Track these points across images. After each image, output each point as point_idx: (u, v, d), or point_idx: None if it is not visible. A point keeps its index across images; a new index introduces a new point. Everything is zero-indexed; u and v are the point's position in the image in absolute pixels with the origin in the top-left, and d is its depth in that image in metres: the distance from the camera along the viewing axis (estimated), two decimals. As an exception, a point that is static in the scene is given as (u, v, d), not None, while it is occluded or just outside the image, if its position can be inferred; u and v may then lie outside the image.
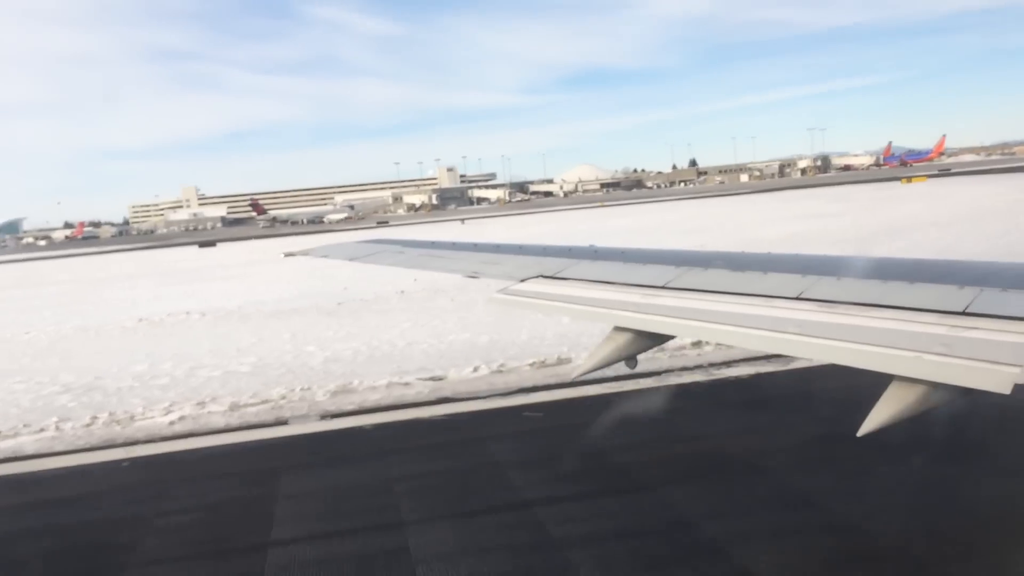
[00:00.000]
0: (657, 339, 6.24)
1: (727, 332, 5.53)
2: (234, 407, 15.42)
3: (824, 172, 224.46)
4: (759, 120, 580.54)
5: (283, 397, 15.85)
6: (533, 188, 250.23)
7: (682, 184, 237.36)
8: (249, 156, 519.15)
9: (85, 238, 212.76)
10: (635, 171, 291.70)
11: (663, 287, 6.49)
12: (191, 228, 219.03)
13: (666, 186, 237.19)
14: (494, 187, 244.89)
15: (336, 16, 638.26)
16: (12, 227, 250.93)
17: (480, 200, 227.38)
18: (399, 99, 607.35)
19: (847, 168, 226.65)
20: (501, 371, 16.85)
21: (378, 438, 13.35)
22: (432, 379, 16.65)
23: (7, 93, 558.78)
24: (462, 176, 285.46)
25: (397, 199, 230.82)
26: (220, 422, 14.76)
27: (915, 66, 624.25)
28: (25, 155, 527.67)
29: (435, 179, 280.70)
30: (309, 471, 12.11)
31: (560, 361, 17.26)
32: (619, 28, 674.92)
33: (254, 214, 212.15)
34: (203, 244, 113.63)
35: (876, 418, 4.36)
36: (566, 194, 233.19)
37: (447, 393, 15.63)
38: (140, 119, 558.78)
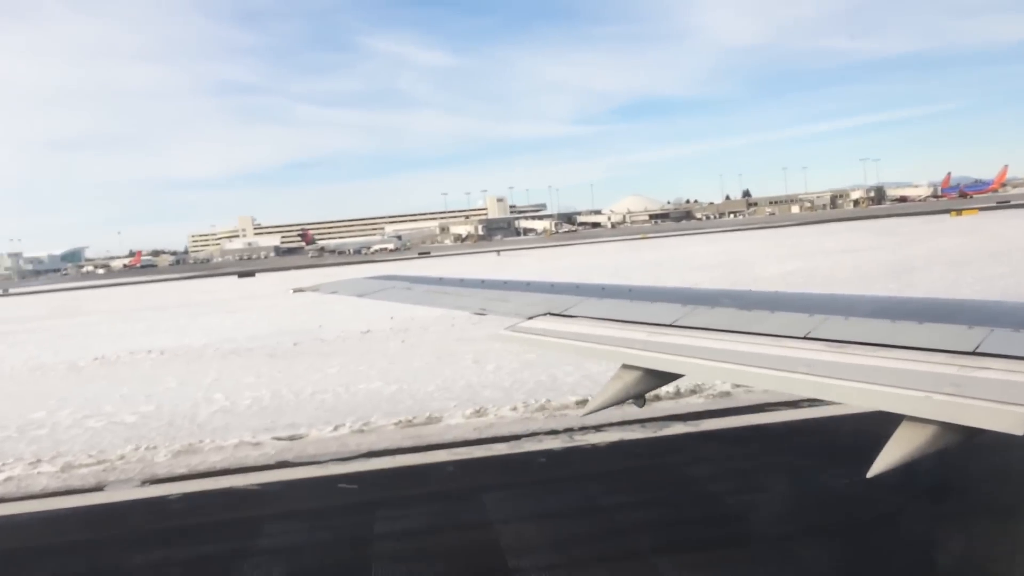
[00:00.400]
0: (665, 378, 6.16)
1: (735, 371, 5.51)
2: (66, 467, 14.56)
3: (878, 203, 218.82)
4: (813, 150, 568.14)
5: (121, 457, 14.93)
6: (581, 219, 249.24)
7: (731, 215, 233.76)
8: (308, 186, 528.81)
9: (143, 266, 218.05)
10: (687, 201, 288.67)
11: (670, 325, 6.49)
12: (245, 257, 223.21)
13: (715, 217, 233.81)
14: (540, 218, 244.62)
15: (396, 49, 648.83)
16: (75, 256, 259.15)
17: (527, 231, 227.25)
18: (454, 130, 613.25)
19: (903, 200, 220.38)
20: (363, 430, 15.72)
21: (175, 511, 12.31)
22: (289, 438, 15.59)
23: (79, 126, 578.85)
24: (512, 206, 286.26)
25: (444, 229, 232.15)
26: (40, 485, 13.89)
27: (976, 94, 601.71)
28: (93, 185, 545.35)
29: (485, 209, 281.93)
30: (63, 553, 11.12)
31: (430, 420, 16.06)
32: (675, 58, 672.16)
33: (304, 244, 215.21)
34: (242, 275, 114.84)
35: (886, 459, 4.29)
36: (613, 225, 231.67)
37: (290, 456, 14.53)
38: (205, 151, 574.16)
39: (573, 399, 16.65)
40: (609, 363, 6.47)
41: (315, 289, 13.53)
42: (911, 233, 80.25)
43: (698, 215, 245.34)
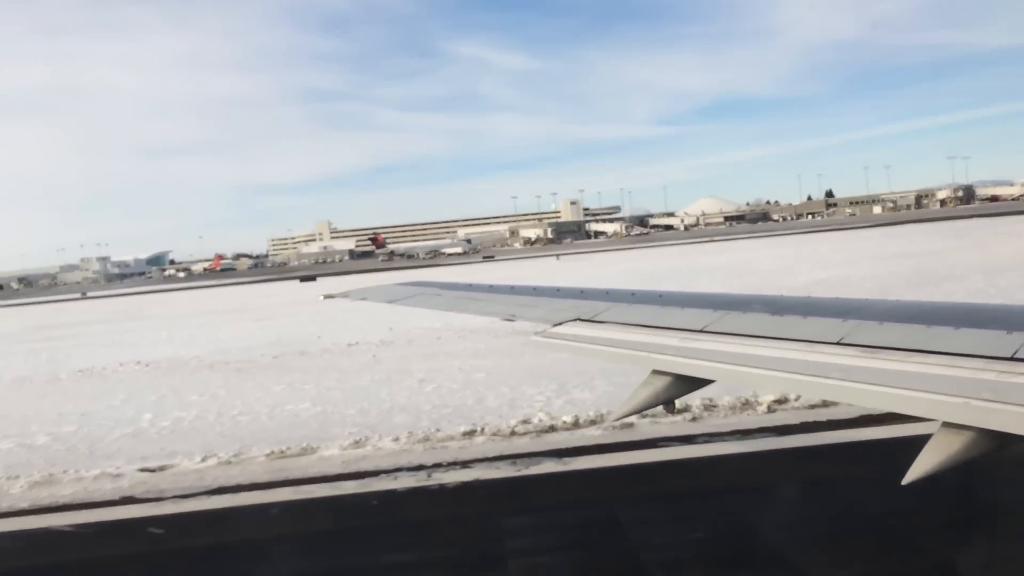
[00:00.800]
0: (696, 383, 6.09)
1: (767, 377, 5.49)
2: (-87, 496, 13.99)
3: (966, 203, 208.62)
4: (899, 149, 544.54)
5: (-24, 487, 14.30)
6: (653, 222, 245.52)
7: (809, 216, 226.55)
8: (388, 191, 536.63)
9: (223, 270, 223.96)
10: (767, 203, 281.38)
11: (701, 331, 6.45)
12: (320, 261, 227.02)
13: (793, 218, 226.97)
14: (611, 221, 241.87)
15: (477, 53, 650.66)
16: (159, 259, 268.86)
17: (597, 234, 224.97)
18: (533, 133, 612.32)
19: (994, 199, 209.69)
20: (231, 462, 14.69)
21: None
22: (154, 470, 14.67)
23: (170, 134, 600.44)
24: (585, 209, 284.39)
25: (514, 233, 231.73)
26: None
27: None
28: (181, 191, 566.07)
29: (558, 213, 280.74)
30: None
31: (304, 451, 14.95)
32: (759, 56, 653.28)
33: (374, 248, 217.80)
34: (304, 279, 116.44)
35: (922, 466, 4.22)
36: (687, 227, 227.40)
37: (139, 491, 13.52)
38: (290, 156, 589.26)
39: (462, 429, 15.37)
40: (638, 368, 6.45)
41: (344, 295, 13.44)
42: (993, 235, 75.98)
43: (775, 216, 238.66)
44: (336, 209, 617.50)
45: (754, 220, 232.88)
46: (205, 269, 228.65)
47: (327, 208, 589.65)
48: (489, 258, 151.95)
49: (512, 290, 10.15)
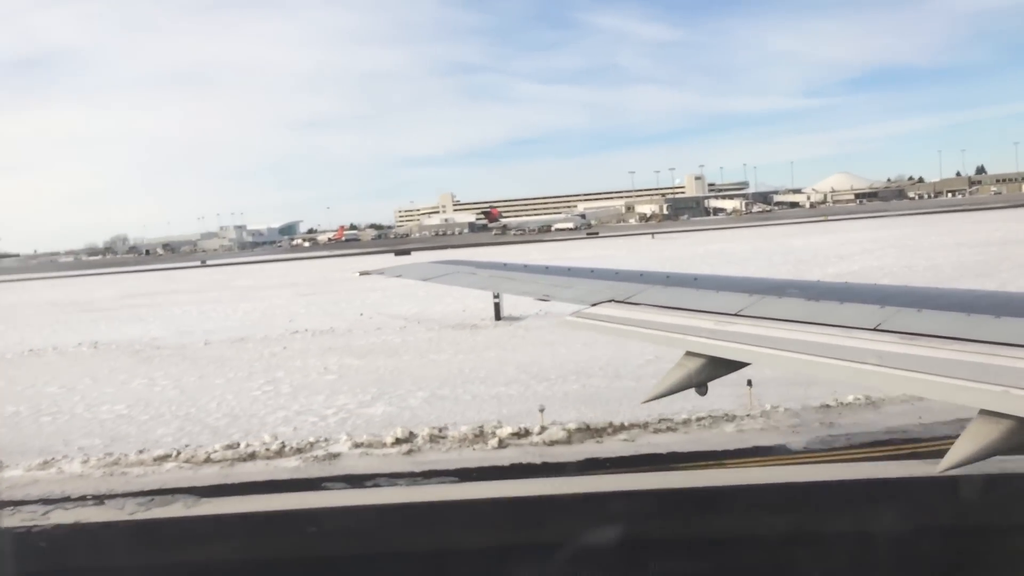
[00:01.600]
0: (730, 366, 6.18)
1: (803, 361, 5.47)
2: None
3: None
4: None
5: None
6: (778, 198, 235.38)
7: (949, 195, 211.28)
8: (522, 163, 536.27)
9: (348, 240, 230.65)
10: (909, 179, 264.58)
11: (736, 315, 6.48)
12: (440, 233, 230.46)
13: (931, 196, 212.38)
14: (732, 197, 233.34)
15: (617, 24, 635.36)
16: (291, 229, 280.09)
17: (716, 211, 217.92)
18: (671, 106, 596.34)
19: None
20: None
21: None
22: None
23: (315, 108, 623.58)
24: (711, 185, 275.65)
25: (630, 208, 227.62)
26: None
27: None
28: (320, 163, 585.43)
29: (683, 188, 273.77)
30: None
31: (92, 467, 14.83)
32: (913, 23, 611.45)
33: (487, 222, 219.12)
34: (398, 252, 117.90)
35: (957, 453, 4.24)
36: (812, 205, 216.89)
37: None
38: (427, 129, 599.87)
39: (156, 453, 14.83)
40: (672, 350, 6.48)
41: (380, 272, 13.74)
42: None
43: (911, 195, 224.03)
44: (469, 181, 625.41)
45: (887, 198, 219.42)
46: (329, 239, 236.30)
47: (461, 180, 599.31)
48: (593, 235, 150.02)
49: (547, 270, 10.29)
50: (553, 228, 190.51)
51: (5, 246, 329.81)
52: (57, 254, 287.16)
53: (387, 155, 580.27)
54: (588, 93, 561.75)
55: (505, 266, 11.25)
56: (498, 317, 33.30)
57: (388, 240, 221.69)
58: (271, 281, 73.63)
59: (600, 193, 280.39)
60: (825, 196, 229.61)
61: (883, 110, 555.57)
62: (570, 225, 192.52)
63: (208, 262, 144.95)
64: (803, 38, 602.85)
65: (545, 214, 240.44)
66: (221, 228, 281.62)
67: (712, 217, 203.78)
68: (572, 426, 14.61)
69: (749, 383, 15.95)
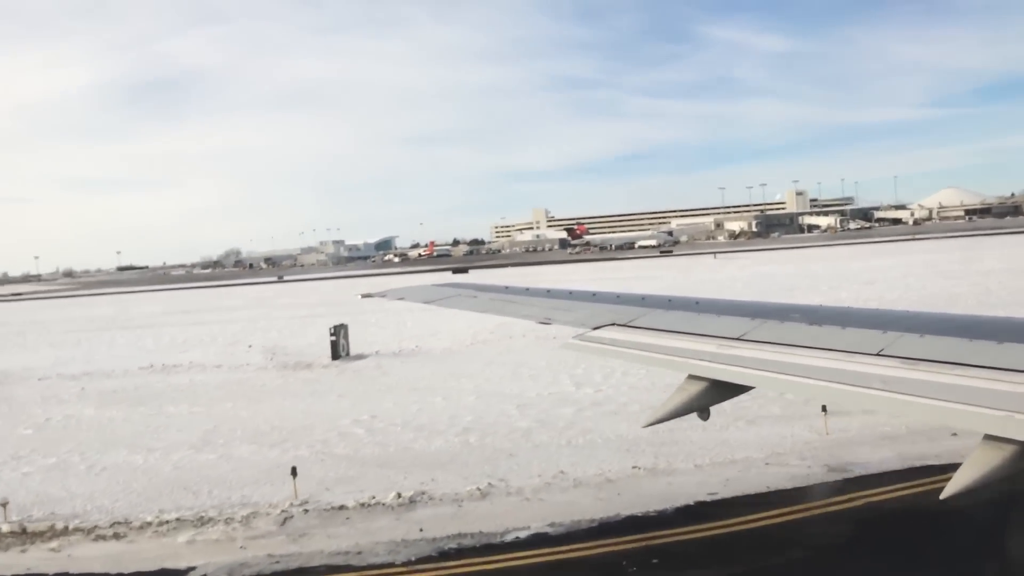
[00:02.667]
0: (732, 390, 6.23)
1: (808, 386, 5.53)
2: None
3: None
4: None
5: None
6: (879, 214, 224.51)
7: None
8: (631, 178, 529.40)
9: (439, 256, 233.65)
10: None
11: (738, 338, 6.51)
12: (531, 249, 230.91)
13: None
14: (826, 213, 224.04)
15: (733, 36, 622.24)
16: (387, 244, 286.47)
17: (811, 228, 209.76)
18: (786, 118, 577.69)
19: None
20: None
21: None
22: None
23: (422, 123, 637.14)
24: (812, 200, 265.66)
25: (719, 225, 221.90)
26: None
27: None
28: (425, 178, 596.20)
29: (783, 203, 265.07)
30: None
31: None
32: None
33: (570, 238, 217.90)
34: (456, 270, 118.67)
35: (961, 479, 4.21)
36: (916, 222, 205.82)
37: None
38: (535, 144, 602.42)
39: None
40: (675, 374, 6.47)
41: (382, 295, 13.86)
42: None
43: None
44: (576, 196, 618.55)
45: (1002, 214, 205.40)
46: (420, 255, 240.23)
47: (568, 195, 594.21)
48: (666, 252, 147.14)
49: (548, 293, 10.32)
50: (636, 245, 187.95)
51: (132, 259, 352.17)
52: (173, 267, 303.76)
53: (496, 170, 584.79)
54: (700, 107, 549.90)
55: (507, 289, 11.14)
56: (335, 356, 31.69)
57: (479, 256, 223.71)
58: (308, 299, 74.73)
59: (695, 210, 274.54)
60: (931, 212, 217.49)
61: (1011, 122, 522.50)
62: (652, 242, 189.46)
63: (286, 277, 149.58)
64: (930, 45, 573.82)
65: (635, 230, 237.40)
66: (321, 243, 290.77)
67: (805, 234, 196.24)
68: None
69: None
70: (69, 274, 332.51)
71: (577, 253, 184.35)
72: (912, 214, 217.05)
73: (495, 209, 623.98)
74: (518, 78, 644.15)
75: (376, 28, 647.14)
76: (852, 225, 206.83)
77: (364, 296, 16.17)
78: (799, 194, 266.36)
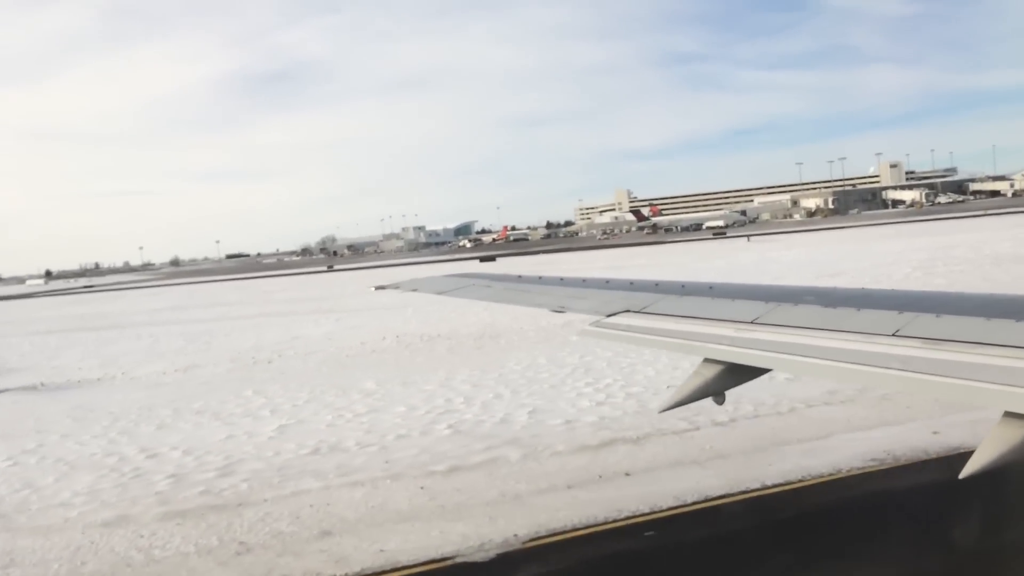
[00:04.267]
0: (749, 373, 6.35)
1: (825, 367, 5.68)
2: None
3: None
4: None
5: None
6: (975, 187, 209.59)
7: None
8: (739, 154, 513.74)
9: (516, 240, 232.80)
10: None
11: (753, 322, 6.63)
12: (608, 231, 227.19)
13: None
14: (911, 187, 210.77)
15: (847, 2, 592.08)
16: (466, 229, 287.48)
17: (895, 202, 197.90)
18: (907, 86, 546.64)
19: None
20: None
21: None
22: None
23: (527, 105, 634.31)
24: (909, 173, 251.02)
25: (796, 202, 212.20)
26: None
27: None
28: (531, 160, 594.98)
29: (877, 177, 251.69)
30: None
31: None
32: None
33: (636, 220, 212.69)
34: (483, 259, 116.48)
35: (981, 458, 4.28)
36: (1016, 193, 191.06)
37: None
38: (643, 122, 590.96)
39: None
40: (691, 358, 6.60)
41: (396, 287, 13.77)
42: None
43: None
44: (679, 173, 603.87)
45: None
46: (494, 240, 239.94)
47: (673, 172, 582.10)
48: (720, 234, 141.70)
49: (562, 282, 10.38)
50: (704, 226, 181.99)
51: (234, 247, 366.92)
52: (267, 256, 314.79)
53: (604, 150, 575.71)
54: (814, 77, 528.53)
55: (520, 278, 11.28)
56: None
57: (557, 239, 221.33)
58: (311, 293, 73.80)
59: (776, 187, 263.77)
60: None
61: None
62: (720, 223, 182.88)
63: (336, 267, 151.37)
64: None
65: (712, 210, 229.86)
66: (403, 229, 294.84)
67: (889, 210, 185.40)
68: None
69: None
70: (176, 263, 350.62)
71: (646, 234, 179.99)
72: (1012, 185, 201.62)
73: (602, 190, 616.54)
74: (625, 55, 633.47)
75: (481, 11, 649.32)
76: (942, 199, 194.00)
77: (378, 288, 17.03)
78: (893, 166, 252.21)
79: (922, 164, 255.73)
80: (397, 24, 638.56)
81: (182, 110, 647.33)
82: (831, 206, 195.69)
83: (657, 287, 8.53)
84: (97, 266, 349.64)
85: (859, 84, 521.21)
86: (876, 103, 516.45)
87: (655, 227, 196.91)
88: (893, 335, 5.37)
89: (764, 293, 7.31)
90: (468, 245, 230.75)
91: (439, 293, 11.81)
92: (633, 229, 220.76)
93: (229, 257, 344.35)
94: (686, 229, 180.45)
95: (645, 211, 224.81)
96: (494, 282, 11.22)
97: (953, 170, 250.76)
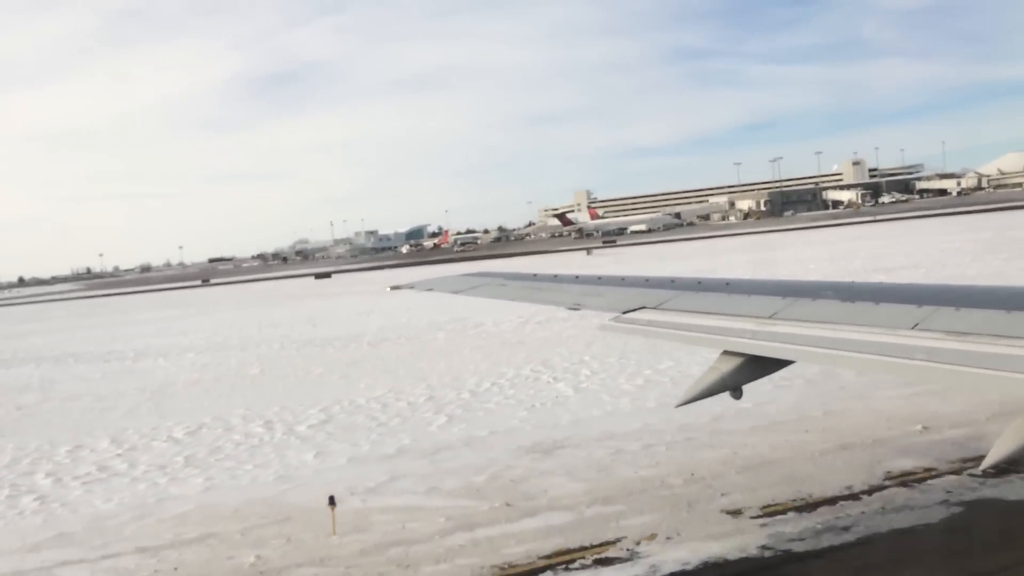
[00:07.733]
0: (770, 366, 6.34)
1: (847, 358, 5.71)
2: None
3: None
4: None
5: None
6: (922, 185, 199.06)
7: None
8: (746, 149, 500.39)
9: (464, 244, 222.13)
10: None
11: (771, 317, 6.61)
12: (556, 235, 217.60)
13: None
14: (848, 187, 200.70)
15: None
16: (418, 233, 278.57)
17: (835, 203, 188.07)
18: (918, 80, 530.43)
19: None
20: None
21: None
22: None
23: (534, 102, 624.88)
24: (872, 170, 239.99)
25: (732, 204, 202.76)
26: None
27: None
28: (537, 158, 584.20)
29: (839, 175, 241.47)
30: None
31: None
32: None
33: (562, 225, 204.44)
34: (318, 276, 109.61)
35: (1002, 449, 4.26)
36: (961, 192, 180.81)
37: None
38: (655, 119, 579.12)
39: None
40: (711, 351, 6.82)
41: (410, 287, 14.05)
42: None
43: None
44: (687, 171, 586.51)
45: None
46: (435, 245, 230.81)
47: (682, 170, 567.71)
48: (610, 243, 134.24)
49: (577, 279, 10.75)
50: (628, 231, 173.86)
51: (228, 249, 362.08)
52: (242, 260, 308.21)
53: (612, 147, 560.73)
54: (823, 71, 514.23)
55: (535, 277, 11.53)
56: None
57: (507, 243, 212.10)
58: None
59: (704, 189, 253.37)
60: (980, 180, 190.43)
61: None
62: (643, 227, 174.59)
63: (212, 280, 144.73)
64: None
65: (648, 212, 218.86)
66: (356, 233, 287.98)
67: (824, 212, 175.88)
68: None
69: None
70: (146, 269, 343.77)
71: (572, 239, 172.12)
72: (959, 184, 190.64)
73: (606, 188, 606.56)
74: (635, 52, 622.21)
75: (489, 9, 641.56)
76: (886, 199, 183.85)
77: (393, 288, 17.48)
78: (856, 164, 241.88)
79: (923, 160, 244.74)
80: (405, 24, 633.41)
81: (197, 112, 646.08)
82: (763, 208, 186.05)
83: (673, 284, 8.78)
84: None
85: (869, 78, 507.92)
86: (885, 97, 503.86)
87: (580, 232, 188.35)
88: (914, 328, 5.46)
89: (782, 288, 7.40)
90: (404, 251, 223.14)
91: (454, 292, 12.07)
92: (560, 234, 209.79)
93: (211, 261, 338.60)
94: (607, 234, 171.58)
95: (579, 215, 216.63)
96: (509, 281, 11.48)
97: (920, 166, 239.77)
